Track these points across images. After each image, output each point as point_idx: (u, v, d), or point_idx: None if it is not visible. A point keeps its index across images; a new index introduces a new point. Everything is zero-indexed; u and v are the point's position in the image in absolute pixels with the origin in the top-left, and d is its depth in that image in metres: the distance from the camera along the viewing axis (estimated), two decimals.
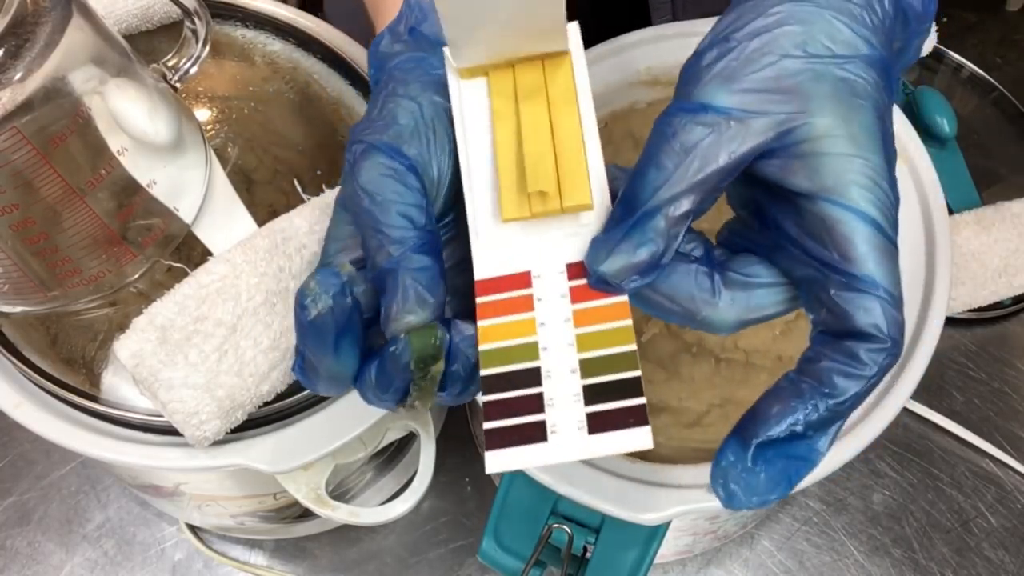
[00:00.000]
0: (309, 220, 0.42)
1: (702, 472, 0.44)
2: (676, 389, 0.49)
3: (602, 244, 0.31)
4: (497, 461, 0.30)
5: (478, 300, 0.32)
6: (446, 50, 0.33)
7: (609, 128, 0.57)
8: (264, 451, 0.44)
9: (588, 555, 0.44)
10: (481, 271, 0.32)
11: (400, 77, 0.35)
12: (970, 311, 0.68)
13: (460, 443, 0.63)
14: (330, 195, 0.43)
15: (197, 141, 0.45)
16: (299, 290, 0.32)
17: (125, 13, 0.49)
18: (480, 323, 0.31)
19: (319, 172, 0.49)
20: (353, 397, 0.45)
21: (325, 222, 0.42)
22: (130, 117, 0.40)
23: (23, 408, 0.44)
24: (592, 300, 0.32)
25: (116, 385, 0.44)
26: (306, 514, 0.54)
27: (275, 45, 0.52)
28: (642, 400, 0.30)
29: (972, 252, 0.65)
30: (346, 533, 0.61)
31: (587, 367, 0.31)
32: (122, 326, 0.41)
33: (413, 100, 0.34)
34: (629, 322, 0.31)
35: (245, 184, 0.47)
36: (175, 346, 0.40)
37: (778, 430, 0.29)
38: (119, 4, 0.49)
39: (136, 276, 0.43)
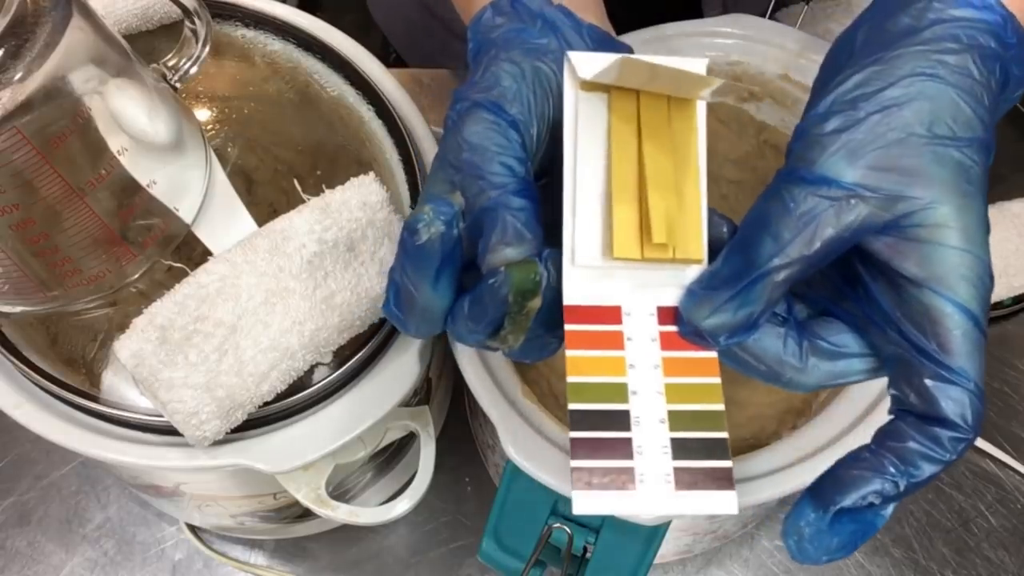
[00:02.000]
0: (309, 220, 0.42)
1: None
2: None
3: (705, 299, 0.31)
4: (586, 503, 0.29)
5: (567, 327, 0.31)
6: (572, 55, 0.33)
7: None
8: (264, 451, 0.44)
9: (588, 555, 0.44)
10: (572, 296, 0.32)
11: (503, 44, 0.35)
12: None
13: (460, 443, 0.63)
14: (330, 195, 0.43)
15: (197, 141, 0.45)
16: (410, 217, 0.32)
17: (125, 13, 0.49)
18: (569, 352, 0.31)
19: (319, 172, 0.49)
20: (352, 398, 0.45)
21: (325, 222, 0.42)
22: (130, 117, 0.40)
23: (23, 408, 0.44)
24: (682, 350, 0.31)
25: (116, 385, 0.44)
26: (306, 514, 0.54)
27: (275, 45, 0.52)
28: (729, 463, 0.30)
29: None
30: (346, 533, 0.61)
31: (675, 420, 0.30)
32: (122, 326, 0.41)
33: (516, 64, 0.34)
34: (718, 380, 0.31)
35: (245, 184, 0.47)
36: (175, 346, 0.40)
37: (858, 500, 0.30)
38: (119, 4, 0.49)
39: (136, 276, 0.43)
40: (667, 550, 0.56)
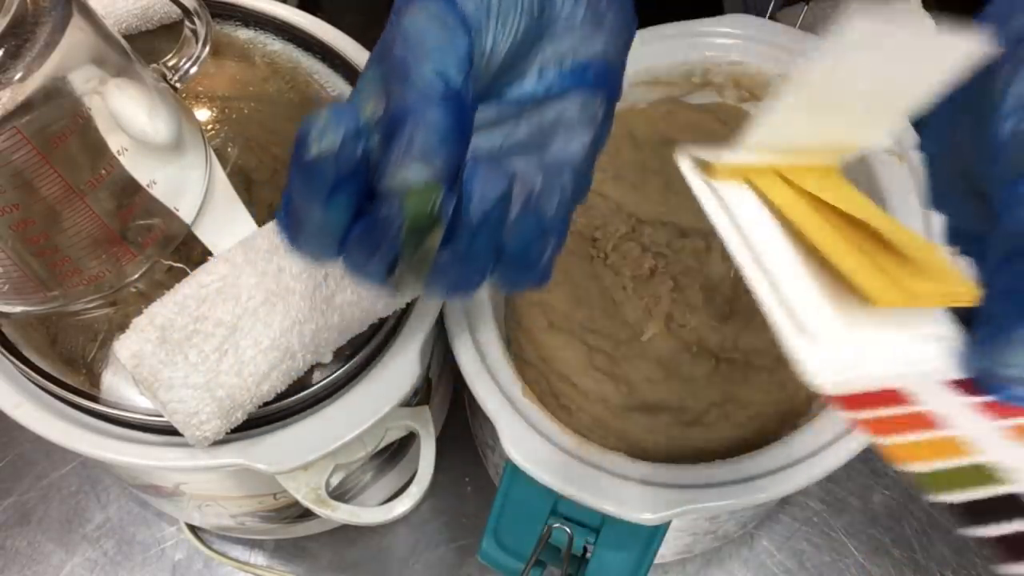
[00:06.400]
0: None
1: (702, 472, 0.44)
2: (676, 388, 0.49)
3: (1012, 339, 0.23)
4: None
5: (858, 416, 0.25)
6: (681, 150, 0.28)
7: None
8: (264, 451, 0.44)
9: (588, 555, 0.44)
10: (832, 384, 0.25)
11: None
12: None
13: (460, 443, 0.63)
14: None
15: (197, 141, 0.45)
16: (305, 121, 0.27)
17: (125, 13, 0.49)
18: (884, 439, 0.24)
19: None
20: (352, 398, 0.45)
21: None
22: (130, 117, 0.40)
23: (23, 408, 0.44)
24: (1017, 417, 0.25)
25: (116, 385, 0.44)
26: (306, 514, 0.54)
27: (275, 45, 0.52)
28: None
29: None
30: (346, 533, 0.61)
31: None
32: (122, 326, 0.41)
33: None
34: None
35: (245, 184, 0.47)
36: (175, 346, 0.40)
37: None
38: (119, 4, 0.49)
39: (136, 276, 0.43)
40: (667, 550, 0.56)
